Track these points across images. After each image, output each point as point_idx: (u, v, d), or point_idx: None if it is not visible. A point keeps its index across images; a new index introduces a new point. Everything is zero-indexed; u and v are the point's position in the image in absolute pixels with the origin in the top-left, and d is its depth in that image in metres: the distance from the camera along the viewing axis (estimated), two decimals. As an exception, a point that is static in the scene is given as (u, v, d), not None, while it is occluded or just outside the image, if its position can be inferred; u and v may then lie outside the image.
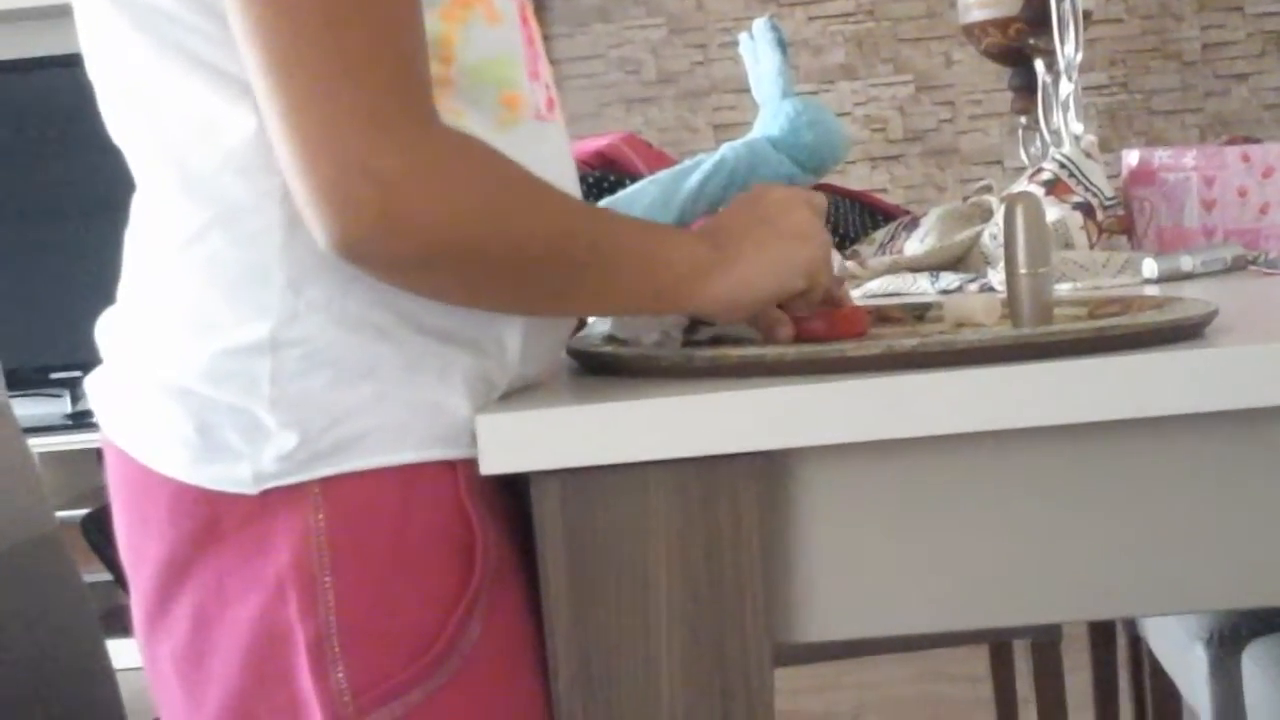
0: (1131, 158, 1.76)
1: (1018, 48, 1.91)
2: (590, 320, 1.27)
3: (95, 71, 1.05)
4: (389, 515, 0.99)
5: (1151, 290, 1.45)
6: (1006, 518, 1.01)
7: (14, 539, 1.45)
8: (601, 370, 1.12)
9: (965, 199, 1.87)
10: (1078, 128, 1.82)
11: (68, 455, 3.90)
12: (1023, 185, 1.73)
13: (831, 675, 3.24)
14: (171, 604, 1.02)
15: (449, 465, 1.01)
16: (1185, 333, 1.01)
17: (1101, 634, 2.39)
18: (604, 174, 1.75)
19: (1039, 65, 1.89)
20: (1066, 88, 1.83)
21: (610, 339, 1.14)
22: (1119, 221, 1.70)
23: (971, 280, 1.61)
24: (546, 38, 4.33)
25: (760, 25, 1.63)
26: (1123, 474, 1.00)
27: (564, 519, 0.99)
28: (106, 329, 1.08)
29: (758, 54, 1.64)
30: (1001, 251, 1.11)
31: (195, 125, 0.99)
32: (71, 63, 1.16)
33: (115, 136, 1.06)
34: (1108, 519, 1.00)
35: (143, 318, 1.04)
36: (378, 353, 1.00)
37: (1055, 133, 1.86)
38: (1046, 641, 2.31)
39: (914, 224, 1.79)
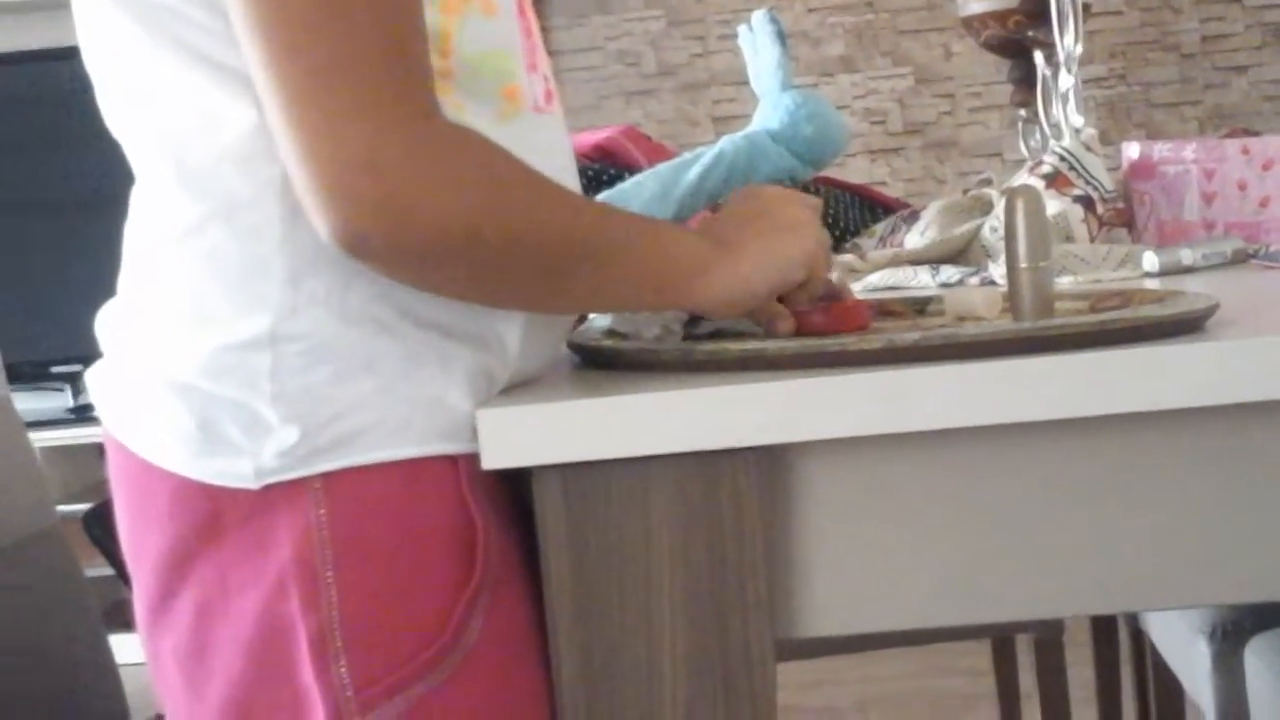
0: (1131, 150, 1.76)
1: (1017, 40, 1.91)
2: (590, 315, 1.27)
3: (93, 65, 1.05)
4: (390, 510, 0.99)
5: (1152, 284, 1.44)
6: (1008, 512, 1.00)
7: (16, 534, 1.45)
8: (602, 364, 1.12)
9: (965, 192, 1.87)
10: (1078, 120, 1.82)
11: (69, 450, 3.90)
12: (1023, 178, 1.73)
13: (834, 670, 3.23)
14: (173, 599, 1.02)
15: (450, 460, 1.01)
16: (1186, 326, 1.01)
17: (1104, 628, 2.39)
18: (603, 167, 1.75)
19: (1038, 58, 1.89)
20: (1066, 80, 1.82)
21: (611, 333, 1.14)
22: (1119, 215, 1.70)
23: (972, 274, 1.61)
24: (545, 30, 4.33)
25: (759, 17, 1.63)
26: (1124, 468, 1.00)
27: (566, 513, 0.99)
28: (106, 322, 1.08)
29: (757, 46, 1.64)
30: (1002, 245, 1.11)
31: (194, 118, 0.99)
32: (70, 55, 1.16)
33: (114, 130, 1.06)
34: (1109, 513, 1.00)
35: (142, 311, 1.04)
36: (378, 347, 1.00)
37: (1055, 125, 1.86)
38: (1049, 636, 2.31)
39: (914, 217, 1.79)
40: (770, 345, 1.03)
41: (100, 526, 1.38)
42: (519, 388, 1.05)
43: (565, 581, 1.00)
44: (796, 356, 1.01)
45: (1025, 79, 1.95)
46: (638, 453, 0.98)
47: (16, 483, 1.48)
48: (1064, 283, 1.48)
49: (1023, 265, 1.08)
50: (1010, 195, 1.09)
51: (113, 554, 1.14)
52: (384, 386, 1.00)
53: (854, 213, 1.88)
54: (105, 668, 1.53)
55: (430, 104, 0.97)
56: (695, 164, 1.67)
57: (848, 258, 1.70)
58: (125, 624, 1.26)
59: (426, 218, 0.95)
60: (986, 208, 1.75)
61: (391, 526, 0.99)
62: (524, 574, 1.03)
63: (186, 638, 1.02)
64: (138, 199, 1.06)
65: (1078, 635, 2.44)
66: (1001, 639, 2.48)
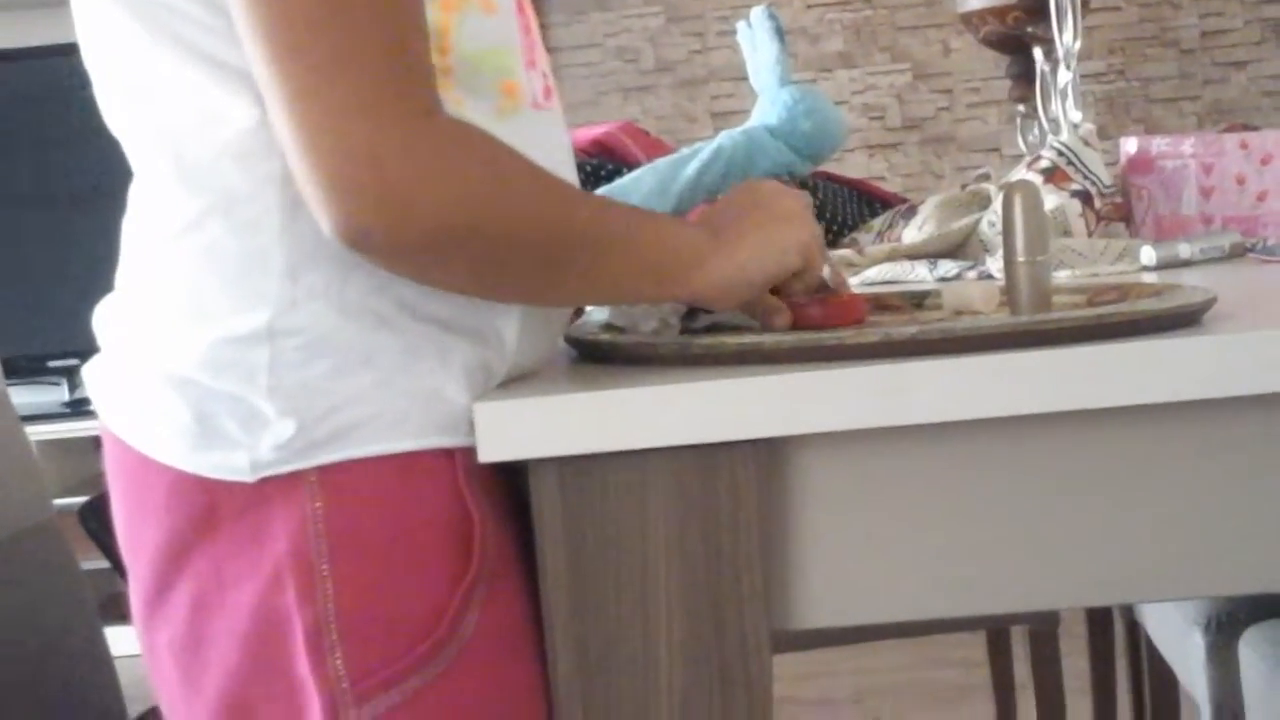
0: (1130, 145, 1.76)
1: (1016, 35, 1.91)
2: (588, 308, 1.28)
3: (92, 61, 1.05)
4: (387, 503, 0.99)
5: (1150, 278, 1.44)
6: (1004, 505, 1.01)
7: (12, 527, 1.45)
8: (599, 358, 1.12)
9: (963, 187, 1.87)
10: (1076, 115, 1.82)
11: (65, 443, 3.90)
12: (1021, 173, 1.73)
13: (830, 661, 3.24)
14: (169, 592, 1.02)
15: (447, 453, 1.01)
16: (1183, 320, 1.01)
17: (1099, 620, 2.39)
18: (602, 162, 1.75)
19: (1037, 53, 1.89)
20: (1065, 75, 1.83)
21: (608, 327, 1.15)
22: (1117, 209, 1.70)
23: (970, 268, 1.61)
24: (544, 26, 4.33)
25: (758, 14, 1.63)
26: (1120, 461, 1.00)
27: (562, 506, 0.99)
28: (104, 317, 1.08)
29: (755, 42, 1.64)
30: (1000, 239, 1.12)
31: (193, 115, 0.99)
32: (69, 52, 1.16)
33: (112, 126, 1.06)
34: (1105, 506, 1.00)
35: (140, 306, 1.04)
36: (376, 341, 1.00)
37: (1053, 120, 1.86)
38: (1044, 627, 2.31)
39: (912, 212, 1.79)
40: (767, 339, 1.03)
41: (96, 520, 1.38)
42: (516, 381, 1.05)
43: (562, 574, 1.00)
44: (793, 350, 1.01)
45: (1024, 74, 1.96)
46: (634, 446, 0.98)
47: (12, 476, 1.48)
48: (1061, 277, 1.48)
49: (1020, 259, 1.08)
50: (1008, 190, 1.10)
51: (109, 547, 1.14)
52: (382, 380, 1.00)
53: (852, 207, 1.88)
54: (101, 660, 1.53)
55: (432, 100, 0.97)
56: (693, 159, 1.67)
57: (845, 252, 1.70)
58: (121, 617, 1.26)
59: (427, 212, 0.95)
60: (984, 202, 1.75)
61: (387, 519, 0.99)
62: (520, 567, 1.03)
63: (182, 630, 1.02)
64: (136, 195, 1.06)
65: (1073, 627, 2.44)
66: (997, 630, 2.48)
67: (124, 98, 1.04)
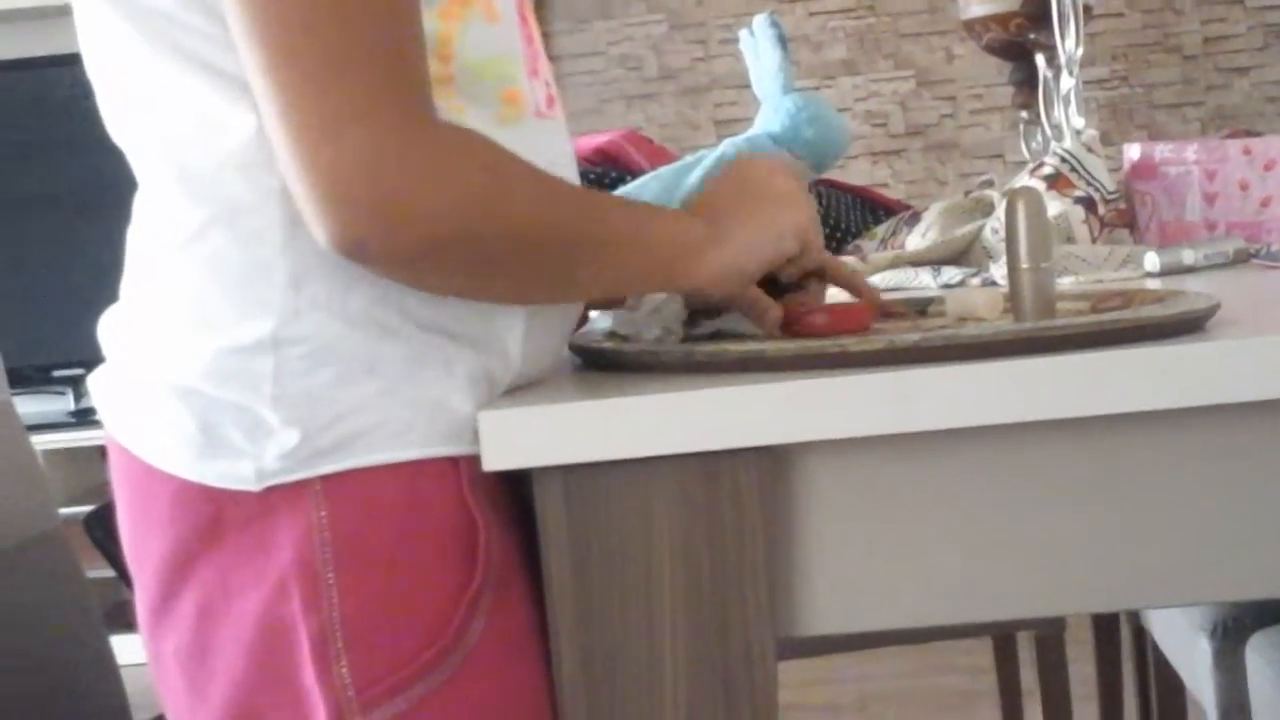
0: (1133, 151, 1.76)
1: (1018, 42, 1.91)
2: (593, 315, 1.28)
3: (95, 71, 1.05)
4: (392, 512, 1.00)
5: (1153, 284, 1.45)
6: (1009, 511, 1.01)
7: (18, 536, 1.45)
8: (603, 366, 1.12)
9: (967, 194, 1.87)
10: (1079, 122, 1.82)
11: (71, 453, 3.91)
12: (1024, 180, 1.73)
13: (835, 667, 3.24)
14: (175, 600, 1.03)
15: (452, 462, 1.01)
16: (1187, 327, 1.01)
17: (1105, 626, 2.39)
18: (605, 170, 1.75)
19: (1040, 60, 1.89)
20: (1067, 82, 1.83)
21: (612, 335, 1.15)
22: (1120, 215, 1.70)
23: (974, 275, 1.61)
24: (547, 34, 4.33)
25: (760, 21, 1.63)
26: (1125, 467, 1.00)
27: (567, 515, 0.99)
28: (109, 327, 1.08)
29: (758, 50, 1.64)
30: (1003, 246, 1.12)
31: (195, 124, 1.00)
32: (72, 62, 1.16)
33: (116, 136, 1.06)
34: (1111, 512, 1.00)
35: (145, 316, 1.05)
36: (380, 350, 1.00)
37: (1056, 127, 1.86)
38: (1050, 633, 2.31)
39: (915, 219, 1.79)
40: (770, 346, 1.03)
41: (102, 529, 1.38)
42: (521, 390, 1.05)
43: (566, 582, 1.00)
44: (797, 358, 1.01)
45: (1027, 81, 1.96)
46: (639, 454, 0.98)
47: (18, 485, 1.48)
48: (1065, 283, 1.48)
49: (1024, 266, 1.08)
50: (1011, 197, 1.10)
51: (114, 556, 1.15)
52: (386, 389, 1.00)
53: (855, 215, 1.88)
54: (107, 669, 1.53)
55: (425, 106, 0.97)
56: (697, 167, 1.67)
57: (849, 260, 1.71)
58: (127, 625, 1.26)
59: (422, 218, 0.95)
60: (988, 209, 1.75)
61: (392, 528, 0.99)
62: (525, 575, 1.03)
63: (188, 639, 1.02)
64: (140, 205, 1.06)
65: (1079, 633, 2.44)
66: (1003, 636, 2.48)
67: (126, 107, 1.04)
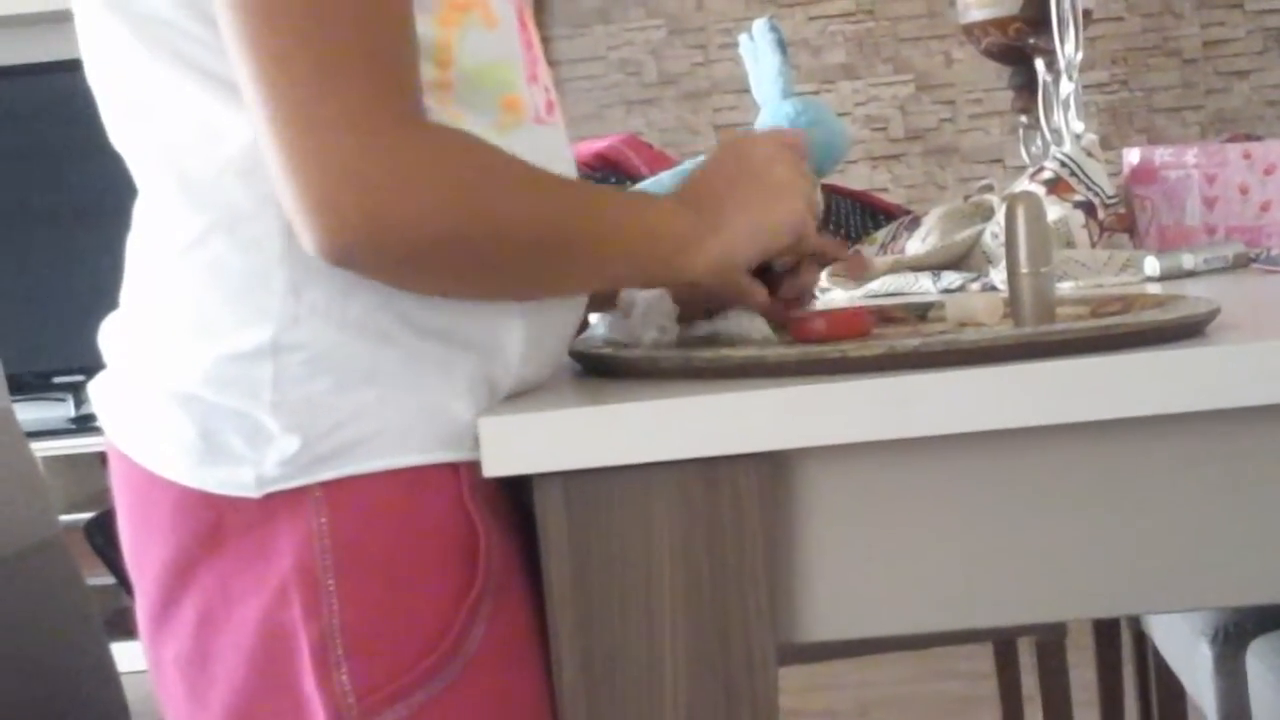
0: (1133, 156, 1.76)
1: (1018, 46, 1.91)
2: (592, 320, 1.28)
3: (95, 78, 1.05)
4: (392, 518, 0.99)
5: (1153, 288, 1.45)
6: (1009, 516, 1.01)
7: (18, 543, 1.45)
8: (603, 372, 1.12)
9: (966, 198, 1.87)
10: (1078, 126, 1.82)
11: (71, 459, 3.91)
12: (1024, 184, 1.73)
13: (835, 673, 3.23)
14: (175, 607, 1.03)
15: (452, 468, 1.01)
16: (1187, 331, 1.01)
17: (1106, 631, 2.39)
18: (605, 175, 1.75)
19: (1039, 64, 1.89)
20: (1067, 86, 1.83)
21: (611, 341, 1.15)
22: (1120, 220, 1.70)
23: (973, 279, 1.61)
24: (546, 39, 4.34)
25: (760, 26, 1.63)
26: (1126, 472, 1.00)
27: (567, 521, 0.99)
28: (109, 334, 1.08)
29: (758, 54, 1.64)
30: (1003, 250, 1.12)
31: (195, 131, 1.00)
32: (73, 68, 1.16)
33: (116, 143, 1.06)
34: (1111, 517, 1.00)
35: (145, 323, 1.05)
36: (380, 356, 1.00)
37: (1056, 131, 1.86)
38: (1051, 639, 2.31)
39: (915, 223, 1.79)
40: (770, 352, 1.03)
41: (102, 535, 1.38)
42: (520, 396, 1.05)
43: (567, 588, 1.00)
44: (797, 363, 1.01)
45: (1026, 85, 1.96)
46: (639, 460, 0.98)
47: (18, 492, 1.48)
48: (1065, 288, 1.48)
49: (1024, 271, 1.08)
50: (1011, 201, 1.10)
51: (115, 563, 1.14)
52: (386, 395, 1.00)
53: (855, 219, 1.88)
54: (107, 676, 1.53)
55: (413, 111, 0.97)
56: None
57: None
58: (127, 632, 1.26)
59: (410, 223, 0.95)
60: (987, 214, 1.75)
61: (393, 534, 0.99)
62: (525, 581, 1.03)
63: (189, 646, 1.02)
64: (140, 211, 1.06)
65: (1080, 638, 2.44)
66: (1003, 642, 2.48)
67: (126, 114, 1.04)
